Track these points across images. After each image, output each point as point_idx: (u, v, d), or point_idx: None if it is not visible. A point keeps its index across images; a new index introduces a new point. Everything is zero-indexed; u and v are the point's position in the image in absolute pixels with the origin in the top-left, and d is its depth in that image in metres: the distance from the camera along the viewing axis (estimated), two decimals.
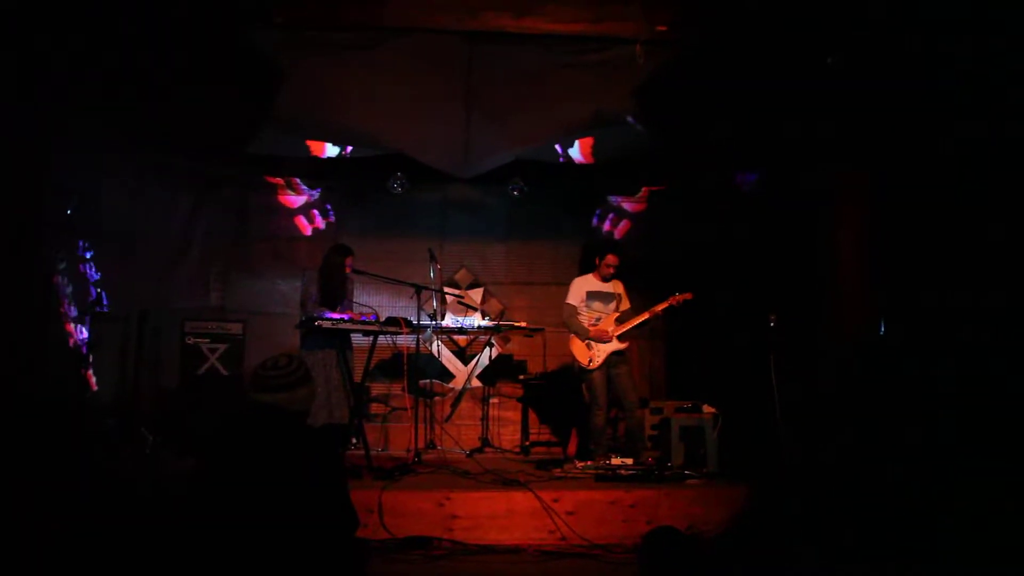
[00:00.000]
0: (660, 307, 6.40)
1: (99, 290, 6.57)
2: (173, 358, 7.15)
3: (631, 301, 6.66)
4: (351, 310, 6.22)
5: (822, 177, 6.81)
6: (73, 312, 6.40)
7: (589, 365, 6.34)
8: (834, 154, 6.58)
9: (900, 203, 5.97)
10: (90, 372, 6.48)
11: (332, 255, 6.20)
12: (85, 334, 6.47)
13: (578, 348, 6.42)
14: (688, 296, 6.36)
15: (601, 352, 6.34)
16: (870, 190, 6.37)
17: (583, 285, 6.55)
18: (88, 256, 6.61)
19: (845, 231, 6.61)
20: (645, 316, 6.44)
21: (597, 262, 6.51)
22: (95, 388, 6.52)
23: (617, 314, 6.51)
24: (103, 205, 6.83)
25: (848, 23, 5.75)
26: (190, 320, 7.13)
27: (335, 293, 6.06)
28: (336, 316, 5.85)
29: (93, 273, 6.60)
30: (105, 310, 6.57)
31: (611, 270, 6.47)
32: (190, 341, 7.00)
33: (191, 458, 2.86)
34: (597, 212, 8.89)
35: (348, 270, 6.18)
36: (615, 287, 6.57)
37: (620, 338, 6.41)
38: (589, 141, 8.34)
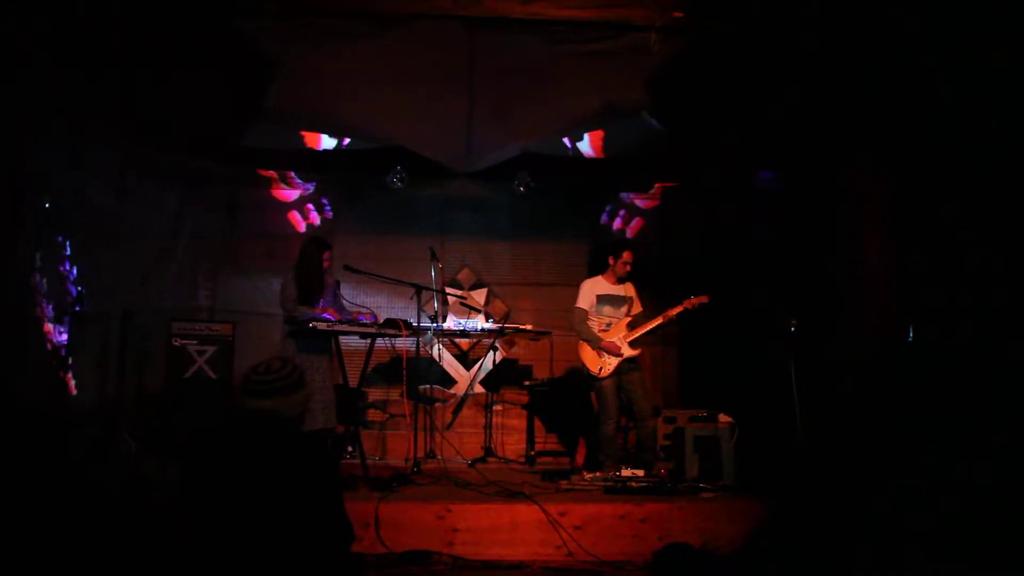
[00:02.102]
0: (674, 311, 6.39)
1: (80, 288, 6.55)
2: (158, 361, 7.17)
3: (642, 304, 6.65)
4: (339, 310, 6.18)
5: (844, 173, 6.78)
6: (51, 312, 6.37)
7: (600, 373, 6.35)
8: (856, 148, 6.55)
9: (926, 199, 5.93)
10: (69, 375, 6.46)
11: (308, 249, 6.05)
12: (64, 335, 6.45)
13: (588, 355, 6.41)
14: (704, 300, 6.36)
15: (613, 360, 6.35)
16: (894, 185, 6.33)
17: (594, 288, 6.53)
18: (68, 252, 6.59)
19: (869, 230, 6.56)
20: (658, 321, 6.43)
21: (612, 261, 6.50)
22: (74, 392, 6.50)
23: (629, 319, 6.51)
24: (85, 200, 6.81)
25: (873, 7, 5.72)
26: (177, 320, 7.13)
27: (313, 290, 5.97)
28: (331, 317, 5.83)
29: (72, 271, 6.58)
30: (86, 309, 6.56)
31: (628, 267, 6.45)
32: (176, 343, 7.00)
33: (177, 466, 2.85)
34: (607, 209, 8.88)
35: (326, 264, 6.03)
36: (626, 290, 6.56)
37: (632, 344, 6.42)
38: (600, 135, 8.33)
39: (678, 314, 6.40)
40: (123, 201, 7.16)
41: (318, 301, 5.93)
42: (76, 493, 4.71)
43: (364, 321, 6.05)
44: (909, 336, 5.75)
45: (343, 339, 6.13)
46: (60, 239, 6.53)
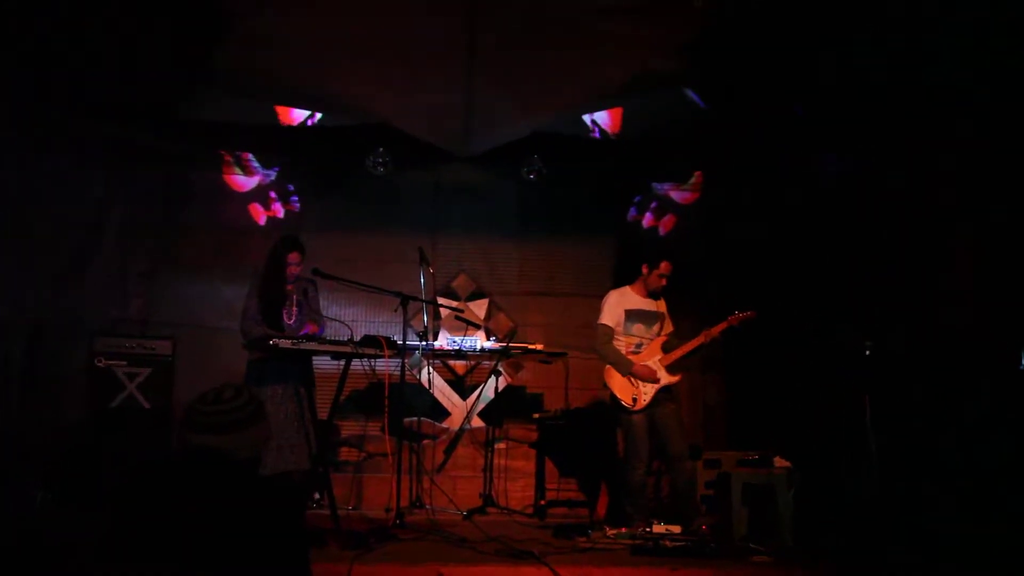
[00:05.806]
0: (717, 329, 6.43)
1: None
2: (77, 386, 7.10)
3: (675, 321, 6.69)
4: (314, 325, 6.09)
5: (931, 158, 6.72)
6: None
7: (634, 406, 6.32)
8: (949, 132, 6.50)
9: None
10: None
11: (273, 250, 6.01)
12: None
13: (618, 384, 6.39)
14: (751, 315, 6.41)
15: (649, 389, 6.33)
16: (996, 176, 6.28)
17: (621, 301, 6.54)
18: None
19: (967, 235, 6.49)
20: (700, 341, 6.45)
21: (645, 271, 6.52)
22: None
23: (663, 338, 6.51)
24: None
25: None
26: (101, 336, 7.12)
27: (275, 302, 5.91)
28: (293, 331, 5.76)
29: None
30: None
31: (664, 282, 6.49)
32: (101, 364, 6.97)
33: (100, 519, 2.78)
34: (636, 201, 8.98)
35: (295, 269, 5.97)
36: (659, 305, 6.61)
37: (670, 369, 6.39)
38: (619, 111, 8.32)
39: (721, 332, 6.42)
40: (32, 182, 7.05)
41: (281, 316, 5.89)
42: None
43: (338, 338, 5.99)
44: (1021, 363, 5.67)
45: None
46: None
